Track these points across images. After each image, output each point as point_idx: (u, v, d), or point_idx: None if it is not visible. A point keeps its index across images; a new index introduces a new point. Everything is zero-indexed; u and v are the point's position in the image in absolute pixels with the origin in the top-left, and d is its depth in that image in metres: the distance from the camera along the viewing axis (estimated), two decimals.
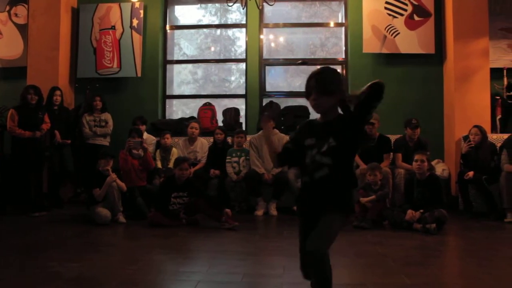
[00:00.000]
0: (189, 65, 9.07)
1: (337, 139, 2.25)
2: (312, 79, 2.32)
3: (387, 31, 6.84)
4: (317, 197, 2.31)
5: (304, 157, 2.34)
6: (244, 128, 7.15)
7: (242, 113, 7.43)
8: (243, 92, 7.60)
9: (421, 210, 4.73)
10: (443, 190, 4.96)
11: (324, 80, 2.31)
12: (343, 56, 7.41)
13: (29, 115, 5.81)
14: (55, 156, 6.29)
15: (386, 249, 4.00)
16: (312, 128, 2.39)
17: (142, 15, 7.27)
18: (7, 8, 7.48)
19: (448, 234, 4.74)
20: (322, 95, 2.28)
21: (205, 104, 7.37)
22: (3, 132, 6.42)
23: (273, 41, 7.99)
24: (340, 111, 2.31)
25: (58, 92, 6.38)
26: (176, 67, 8.37)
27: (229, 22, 8.80)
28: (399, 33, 6.83)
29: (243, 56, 7.66)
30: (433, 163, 5.77)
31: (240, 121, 7.33)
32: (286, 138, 6.30)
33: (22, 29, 7.38)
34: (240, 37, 8.54)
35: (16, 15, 7.47)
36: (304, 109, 7.09)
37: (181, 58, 8.72)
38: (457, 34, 6.51)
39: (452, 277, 3.36)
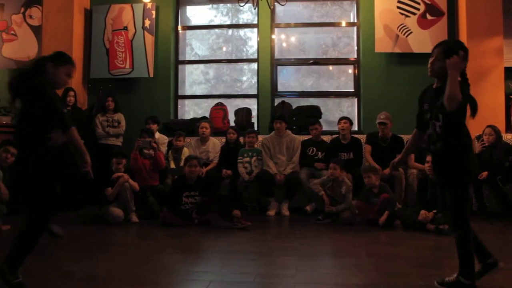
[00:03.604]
0: (201, 65, 9.07)
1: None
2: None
3: (399, 31, 6.80)
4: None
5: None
6: (256, 128, 7.15)
7: (254, 113, 7.43)
8: (255, 92, 7.61)
9: (434, 211, 4.70)
10: None
11: (448, 45, 2.80)
12: (355, 56, 7.38)
13: None
14: (67, 156, 6.32)
15: (399, 250, 3.97)
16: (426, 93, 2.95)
17: (154, 16, 7.31)
18: (22, 10, 7.57)
19: None
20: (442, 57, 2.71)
21: (217, 104, 7.38)
22: None
23: (285, 41, 7.97)
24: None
25: (71, 93, 6.44)
26: (188, 67, 8.38)
27: (240, 22, 8.79)
28: (411, 32, 6.79)
29: (255, 56, 7.67)
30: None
31: (252, 121, 7.33)
32: (298, 139, 6.30)
33: (37, 30, 7.46)
34: (251, 37, 8.52)
35: (30, 16, 7.55)
36: (316, 108, 7.07)
37: (193, 58, 8.72)
38: (471, 33, 6.45)
39: None
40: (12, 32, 7.56)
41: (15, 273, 2.75)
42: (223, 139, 6.59)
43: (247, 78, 9.04)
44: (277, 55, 7.54)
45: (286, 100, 7.31)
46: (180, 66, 7.85)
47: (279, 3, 6.04)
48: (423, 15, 6.79)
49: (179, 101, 7.80)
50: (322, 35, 8.45)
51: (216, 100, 7.54)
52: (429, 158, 4.94)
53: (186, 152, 6.32)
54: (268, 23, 7.41)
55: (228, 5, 8.67)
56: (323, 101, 7.61)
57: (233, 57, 8.68)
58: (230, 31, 8.79)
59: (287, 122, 6.43)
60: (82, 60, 7.41)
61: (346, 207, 5.23)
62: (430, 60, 2.84)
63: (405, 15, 6.80)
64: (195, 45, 9.05)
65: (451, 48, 2.73)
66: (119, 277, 3.10)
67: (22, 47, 7.50)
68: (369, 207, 5.13)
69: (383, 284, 2.97)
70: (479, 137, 5.93)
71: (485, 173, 5.54)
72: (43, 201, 2.79)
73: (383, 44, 6.87)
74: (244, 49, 8.91)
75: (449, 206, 2.76)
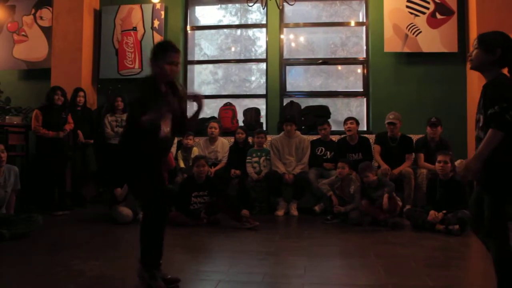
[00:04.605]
0: (210, 66, 9.10)
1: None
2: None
3: (408, 30, 6.76)
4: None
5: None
6: (264, 128, 7.15)
7: (263, 113, 7.42)
8: (263, 92, 7.60)
9: (444, 211, 4.67)
10: (466, 190, 4.87)
11: (484, 36, 2.56)
12: (364, 56, 7.35)
13: (53, 116, 5.93)
14: (78, 156, 6.39)
15: (408, 250, 3.96)
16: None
17: (163, 16, 7.33)
18: (33, 11, 7.63)
19: (471, 236, 4.60)
20: (478, 49, 2.46)
21: (225, 104, 7.39)
22: (28, 132, 6.54)
23: (293, 40, 7.96)
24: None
25: (81, 93, 6.49)
26: (197, 67, 8.41)
27: (249, 22, 8.81)
28: (421, 31, 6.74)
29: (264, 56, 7.66)
30: (456, 163, 5.69)
31: (261, 121, 7.33)
32: (307, 140, 6.29)
33: (47, 31, 7.51)
34: (260, 37, 8.53)
35: (41, 18, 7.61)
36: (325, 108, 7.05)
37: (201, 58, 8.75)
38: (481, 32, 6.37)
39: (475, 279, 3.31)
40: (23, 33, 7.62)
41: (153, 274, 2.84)
42: (232, 139, 6.60)
43: (256, 78, 9.06)
44: (285, 55, 7.52)
45: (295, 100, 7.29)
46: (189, 66, 7.86)
47: (288, 3, 6.04)
48: (432, 14, 6.75)
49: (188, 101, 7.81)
50: (331, 35, 8.45)
51: (225, 100, 7.54)
52: (439, 158, 4.92)
53: (195, 151, 6.33)
54: (276, 23, 7.40)
55: (237, 5, 8.69)
56: (332, 101, 7.59)
57: (242, 57, 8.70)
58: (238, 31, 8.81)
59: (297, 124, 6.43)
60: (91, 60, 7.44)
61: (354, 207, 5.22)
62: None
63: (415, 14, 6.76)
64: (204, 45, 9.08)
65: (489, 40, 2.52)
66: (129, 276, 3.11)
67: (33, 48, 7.56)
68: (375, 207, 5.10)
69: (391, 284, 2.96)
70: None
71: None
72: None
73: (392, 43, 6.83)
74: (253, 49, 8.93)
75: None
